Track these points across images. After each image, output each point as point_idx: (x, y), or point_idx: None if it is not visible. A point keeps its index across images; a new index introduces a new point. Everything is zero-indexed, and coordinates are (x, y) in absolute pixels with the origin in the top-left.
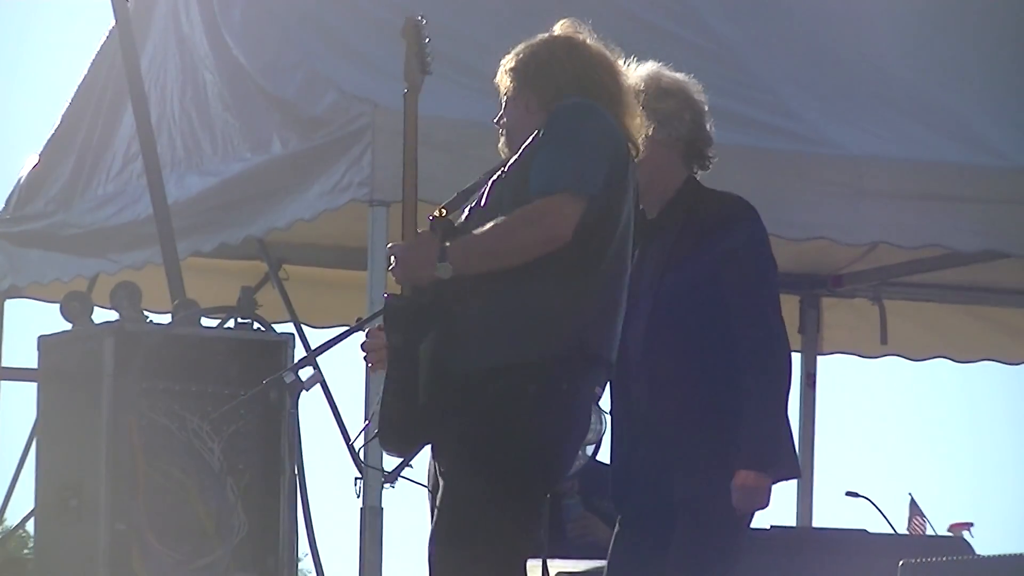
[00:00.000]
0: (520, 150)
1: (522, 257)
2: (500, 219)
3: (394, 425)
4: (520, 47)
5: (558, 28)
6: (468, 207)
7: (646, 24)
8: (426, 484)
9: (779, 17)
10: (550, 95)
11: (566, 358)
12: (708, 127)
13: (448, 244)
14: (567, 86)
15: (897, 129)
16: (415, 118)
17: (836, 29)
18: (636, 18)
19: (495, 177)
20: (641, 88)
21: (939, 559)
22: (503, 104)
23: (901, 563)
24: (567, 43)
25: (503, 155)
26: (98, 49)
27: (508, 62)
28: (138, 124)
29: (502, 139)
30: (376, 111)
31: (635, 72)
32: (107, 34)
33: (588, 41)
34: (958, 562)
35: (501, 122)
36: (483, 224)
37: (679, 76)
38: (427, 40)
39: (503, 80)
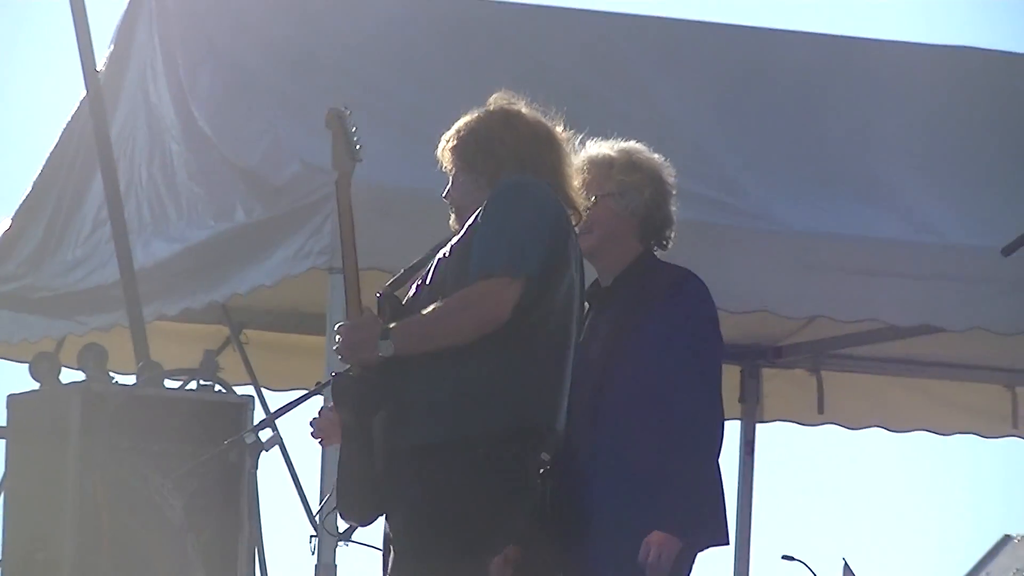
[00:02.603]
0: (464, 228)
1: (460, 339)
2: (440, 303)
3: (352, 497)
4: (459, 124)
5: (493, 101)
6: (416, 283)
7: (595, 99)
8: (379, 547)
9: (727, 95)
10: (492, 171)
11: (509, 432)
12: (670, 207)
13: (392, 325)
14: (507, 162)
15: (839, 206)
16: (349, 205)
17: (784, 107)
18: (585, 94)
19: (441, 254)
20: (613, 156)
21: None
22: (449, 180)
23: None
24: (504, 117)
25: (453, 230)
26: (69, 117)
27: (449, 140)
28: (107, 191)
29: (452, 215)
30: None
31: (617, 146)
32: (78, 103)
33: (524, 112)
34: None
35: (449, 197)
36: (429, 302)
37: (654, 156)
38: (354, 129)
39: (445, 157)
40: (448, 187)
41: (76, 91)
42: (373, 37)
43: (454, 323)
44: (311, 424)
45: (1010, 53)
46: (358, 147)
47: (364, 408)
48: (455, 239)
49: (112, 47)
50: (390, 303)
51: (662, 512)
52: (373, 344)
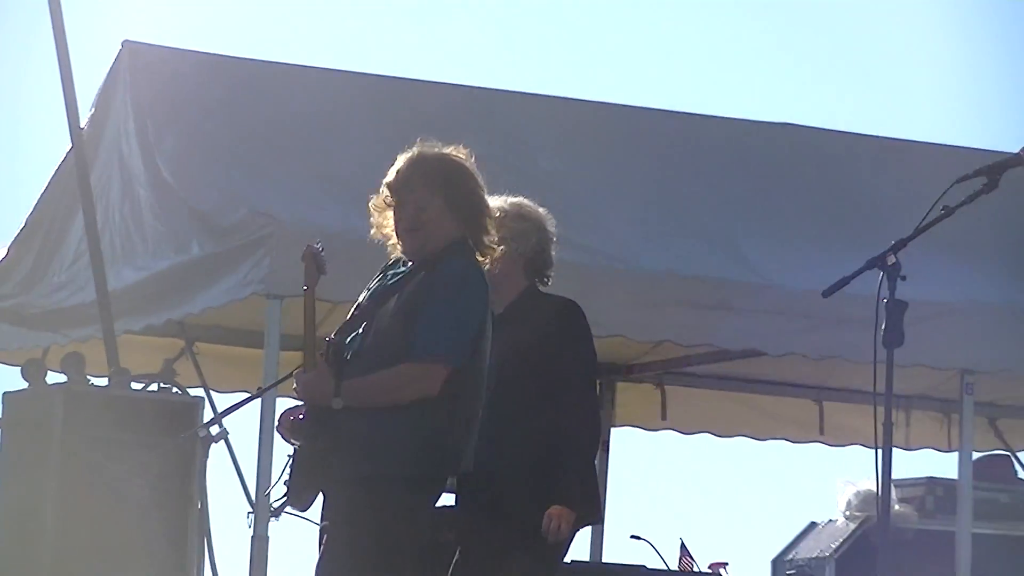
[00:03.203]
0: (419, 281)
1: (398, 403)
2: (385, 372)
3: (296, 489)
4: (429, 157)
5: (456, 151)
6: (357, 322)
7: (495, 162)
8: (308, 519)
9: (602, 159)
10: (454, 213)
11: (413, 478)
12: (551, 251)
13: (343, 383)
14: (467, 214)
15: (685, 249)
16: (313, 308)
17: (650, 173)
18: (490, 158)
19: (382, 291)
20: (507, 208)
21: None
22: (405, 200)
23: None
24: (472, 174)
25: (401, 248)
26: (58, 165)
27: (419, 167)
28: (87, 227)
29: (403, 238)
30: (275, 224)
31: (510, 200)
32: (65, 154)
33: (472, 164)
34: None
35: (412, 221)
36: (375, 352)
37: (540, 209)
38: (323, 253)
39: (408, 174)
40: (408, 219)
41: (63, 144)
42: (308, 105)
43: (394, 394)
44: (278, 429)
45: (822, 129)
46: (325, 264)
47: (311, 434)
48: (397, 290)
49: (93, 109)
50: (335, 351)
51: (561, 491)
52: (327, 398)
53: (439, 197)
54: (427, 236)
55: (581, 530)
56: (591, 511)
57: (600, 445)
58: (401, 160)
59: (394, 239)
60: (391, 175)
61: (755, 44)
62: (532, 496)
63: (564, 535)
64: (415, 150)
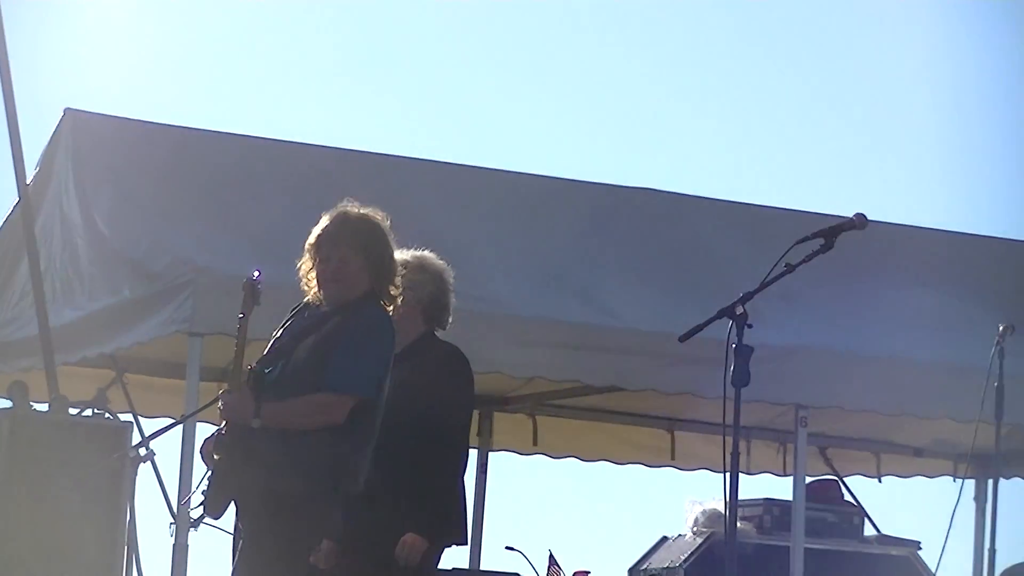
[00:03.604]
0: (334, 323)
1: (307, 427)
2: (300, 399)
3: (212, 498)
4: (355, 219)
5: (375, 213)
6: (276, 354)
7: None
8: (224, 529)
9: (485, 219)
10: (373, 269)
11: (317, 492)
12: (449, 299)
13: (262, 405)
14: (382, 266)
15: (554, 298)
16: (245, 334)
17: (521, 224)
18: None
19: (299, 329)
20: (410, 260)
21: None
22: (333, 255)
23: None
24: (384, 229)
25: (324, 294)
26: (5, 217)
27: (346, 227)
28: (31, 271)
29: (326, 285)
30: (196, 271)
31: (413, 253)
32: (12, 207)
33: (387, 225)
34: None
35: (333, 272)
36: (292, 381)
37: (440, 262)
38: (260, 287)
39: (335, 233)
40: (334, 271)
41: (11, 198)
42: (225, 168)
43: (306, 418)
44: (201, 452)
45: (675, 193)
46: (260, 296)
47: (229, 447)
48: (319, 330)
49: (38, 168)
50: (256, 378)
51: (415, 520)
52: (248, 418)
53: (360, 255)
54: (347, 287)
55: (447, 549)
56: (452, 533)
57: (477, 468)
58: (327, 218)
59: (315, 286)
60: (319, 230)
61: (619, 114)
62: (404, 518)
63: (413, 562)
64: (342, 210)
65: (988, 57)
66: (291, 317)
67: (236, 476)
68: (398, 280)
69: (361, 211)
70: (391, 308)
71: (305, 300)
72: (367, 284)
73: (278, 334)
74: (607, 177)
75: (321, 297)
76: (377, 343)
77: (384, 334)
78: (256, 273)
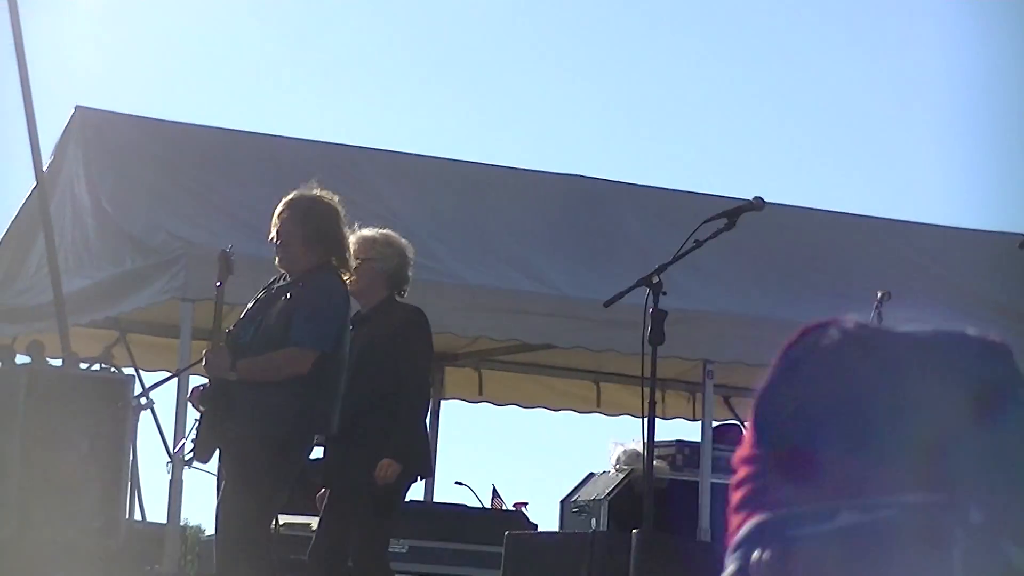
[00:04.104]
0: (294, 290)
1: (276, 379)
2: (269, 354)
3: (200, 446)
4: (301, 199)
5: (318, 191)
6: (249, 319)
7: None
8: (212, 472)
9: (438, 200)
10: (319, 242)
11: (293, 436)
12: (408, 272)
13: (237, 360)
14: (327, 242)
15: (494, 269)
16: (222, 300)
17: (472, 212)
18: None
19: (268, 297)
20: (378, 237)
21: (537, 532)
22: (280, 231)
23: (507, 533)
24: (331, 207)
25: (278, 264)
26: (24, 200)
27: (293, 207)
28: (47, 246)
29: (278, 257)
30: (188, 246)
31: (380, 230)
32: (30, 191)
33: (337, 204)
34: (544, 533)
35: (279, 242)
36: (263, 341)
37: (403, 240)
38: (233, 257)
39: (283, 216)
40: (281, 245)
41: (29, 183)
42: (213, 157)
43: (275, 371)
44: (189, 399)
45: (600, 179)
46: (234, 265)
47: (212, 399)
48: (282, 298)
49: (52, 157)
50: (233, 339)
51: (391, 448)
52: (225, 370)
53: (301, 228)
54: (291, 257)
55: (415, 481)
56: (421, 466)
57: (431, 414)
58: (283, 200)
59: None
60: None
61: (559, 111)
62: (374, 451)
63: (391, 479)
64: (294, 193)
65: (882, 40)
66: (264, 288)
67: (218, 426)
68: (351, 251)
69: (312, 192)
70: (348, 276)
71: (275, 276)
72: (318, 255)
73: (251, 303)
74: (543, 166)
75: (277, 264)
76: (333, 304)
77: (337, 297)
78: (229, 247)
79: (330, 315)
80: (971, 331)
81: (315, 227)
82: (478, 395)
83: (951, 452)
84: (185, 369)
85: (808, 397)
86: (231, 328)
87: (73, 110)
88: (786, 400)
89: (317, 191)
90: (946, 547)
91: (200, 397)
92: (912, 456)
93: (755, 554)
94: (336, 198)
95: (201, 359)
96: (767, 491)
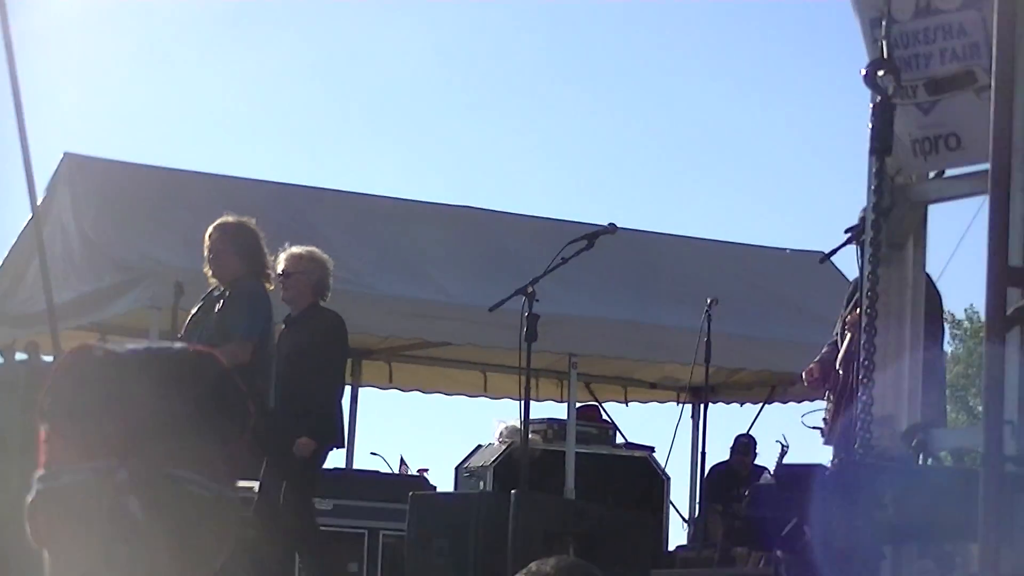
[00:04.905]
0: (226, 297)
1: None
2: (217, 347)
3: None
4: (229, 223)
5: (247, 220)
6: (195, 322)
7: (279, 222)
8: None
9: (352, 224)
10: (244, 256)
11: (252, 413)
12: (329, 282)
13: None
14: (249, 256)
15: (404, 281)
16: (177, 312)
17: (382, 229)
18: (280, 225)
19: (207, 304)
20: (304, 253)
21: (436, 492)
22: (212, 248)
23: (411, 493)
24: (253, 230)
25: (209, 277)
26: (22, 228)
27: (222, 229)
28: (41, 265)
29: (211, 269)
30: (156, 265)
31: (306, 248)
32: (26, 222)
33: (256, 227)
34: (442, 493)
35: (211, 257)
36: (207, 340)
37: (325, 255)
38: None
39: (215, 235)
40: (214, 259)
41: (26, 214)
42: (179, 194)
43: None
44: None
45: (496, 211)
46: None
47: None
48: (217, 304)
49: (45, 194)
50: (185, 338)
51: (307, 427)
52: None
53: (230, 246)
54: (221, 268)
55: (332, 451)
56: (334, 437)
57: (351, 399)
58: (213, 224)
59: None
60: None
61: (459, 148)
62: (301, 428)
63: (307, 453)
64: (222, 218)
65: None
66: (204, 297)
67: None
68: (270, 264)
69: (236, 219)
70: (268, 284)
71: (212, 287)
72: (243, 268)
73: (195, 310)
74: (443, 199)
75: (211, 277)
76: (255, 305)
77: (260, 299)
78: (178, 281)
79: (258, 312)
80: (179, 346)
81: (241, 244)
82: (388, 383)
83: (138, 429)
84: None
85: (54, 392)
86: (182, 333)
87: (62, 155)
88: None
89: (237, 217)
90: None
91: None
92: (101, 432)
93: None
94: (254, 221)
95: None
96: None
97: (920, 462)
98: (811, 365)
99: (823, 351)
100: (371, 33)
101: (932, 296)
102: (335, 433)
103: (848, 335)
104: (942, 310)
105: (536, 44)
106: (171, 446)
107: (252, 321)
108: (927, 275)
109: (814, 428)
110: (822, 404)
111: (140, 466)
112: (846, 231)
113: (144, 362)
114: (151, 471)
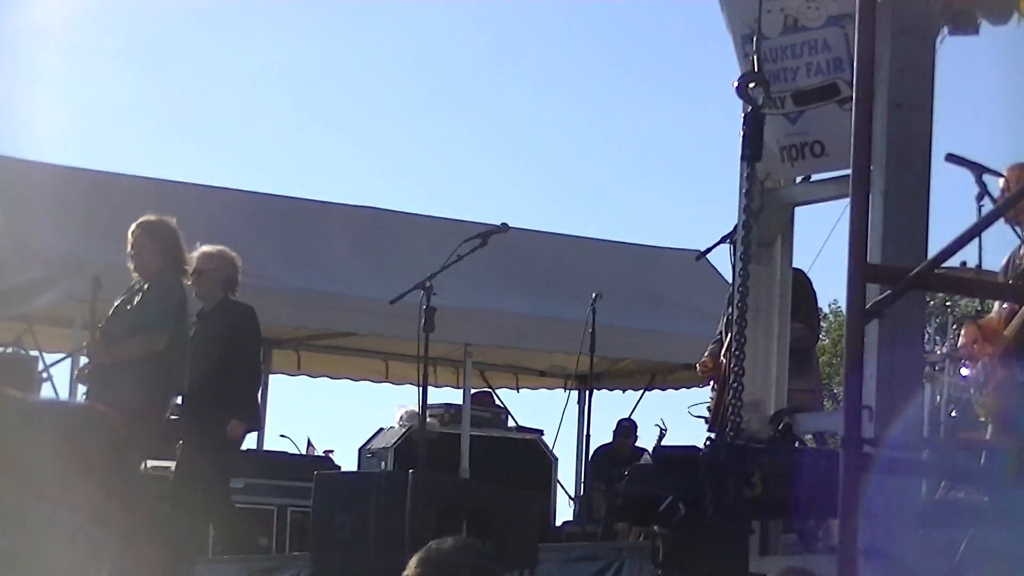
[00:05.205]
0: (144, 290)
1: (141, 356)
2: (131, 339)
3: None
4: (150, 221)
5: (166, 219)
6: (116, 314)
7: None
8: None
9: (262, 226)
10: (164, 252)
11: (168, 392)
12: (239, 277)
13: (110, 347)
14: (169, 252)
15: (313, 277)
16: (96, 305)
17: (300, 233)
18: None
19: (128, 297)
20: (214, 252)
21: (341, 472)
22: (135, 244)
23: (317, 473)
24: (172, 227)
25: (133, 270)
26: None
27: (144, 227)
28: None
29: (133, 264)
30: (79, 261)
31: (216, 247)
32: None
33: (175, 226)
34: (346, 472)
35: (133, 253)
36: (126, 331)
37: (233, 253)
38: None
39: (137, 232)
40: (136, 255)
41: None
42: (97, 193)
43: (138, 351)
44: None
45: (387, 209)
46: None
47: (93, 376)
48: (137, 296)
49: None
50: (105, 330)
51: (233, 409)
52: (101, 356)
53: (151, 242)
54: (142, 263)
55: (249, 433)
56: (253, 421)
57: (262, 385)
58: (136, 222)
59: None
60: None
61: (362, 153)
62: (218, 412)
63: (239, 435)
64: (144, 217)
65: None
66: (126, 290)
67: (98, 397)
68: (188, 260)
69: (157, 217)
70: (185, 279)
71: (133, 280)
72: (161, 263)
73: (117, 302)
74: (349, 200)
75: (132, 271)
76: (169, 298)
77: (175, 292)
78: (97, 276)
79: (172, 305)
80: (77, 403)
81: (161, 241)
82: (297, 370)
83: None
84: (75, 352)
85: None
86: (104, 323)
87: None
88: None
89: (157, 216)
90: None
91: (85, 375)
92: None
93: None
94: (174, 220)
95: (85, 346)
96: None
97: (786, 444)
98: (705, 358)
99: (711, 346)
100: (267, 28)
101: (809, 292)
102: (252, 417)
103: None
104: (817, 304)
105: (426, 53)
106: (45, 484)
107: (165, 313)
108: (804, 273)
109: (699, 417)
110: (702, 392)
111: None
112: (723, 237)
113: (45, 413)
114: (14, 503)
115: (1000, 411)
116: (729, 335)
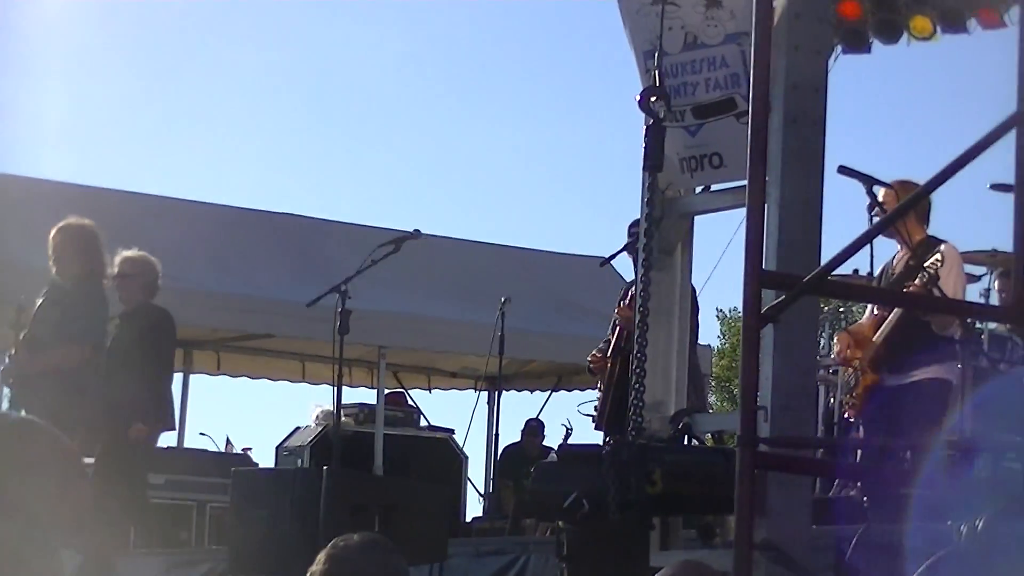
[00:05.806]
0: (67, 293)
1: (65, 367)
2: (53, 350)
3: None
4: (71, 226)
5: (89, 223)
6: (38, 320)
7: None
8: None
9: (197, 234)
10: (85, 256)
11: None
12: (157, 282)
13: (34, 355)
14: (90, 256)
15: (232, 281)
16: (19, 319)
17: (222, 239)
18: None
19: (47, 301)
20: (136, 257)
21: (258, 469)
22: (56, 248)
23: (234, 469)
24: (94, 232)
25: (55, 273)
26: None
27: (65, 231)
28: None
29: (55, 268)
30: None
31: (138, 253)
32: None
33: (96, 230)
34: (263, 469)
35: (54, 257)
36: (48, 340)
37: (154, 258)
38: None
39: (58, 237)
40: (57, 259)
41: None
42: (45, 204)
43: (62, 362)
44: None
45: (302, 215)
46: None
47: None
48: (59, 302)
49: None
50: (30, 339)
51: (137, 412)
52: (25, 365)
53: (72, 245)
54: (65, 267)
55: (164, 432)
56: (166, 421)
57: (183, 385)
58: (57, 226)
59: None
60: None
61: (283, 162)
62: (132, 412)
63: (142, 438)
64: (65, 221)
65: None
66: (44, 293)
67: (22, 402)
68: (108, 263)
69: (78, 221)
70: (106, 282)
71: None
72: (83, 266)
73: (38, 303)
74: (268, 207)
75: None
76: (94, 306)
77: (99, 299)
78: (23, 296)
79: (95, 314)
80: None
81: (82, 244)
82: (217, 370)
83: None
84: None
85: None
86: (27, 331)
87: None
88: None
89: (80, 220)
90: None
91: (10, 382)
92: None
93: None
94: (94, 224)
95: (11, 355)
96: None
97: (685, 443)
98: (595, 353)
99: (601, 344)
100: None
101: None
102: (167, 417)
103: (617, 330)
104: (698, 310)
105: (342, 62)
106: None
107: (90, 324)
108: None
109: (587, 415)
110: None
111: None
112: (625, 245)
113: None
114: None
115: (865, 413)
116: (615, 334)
